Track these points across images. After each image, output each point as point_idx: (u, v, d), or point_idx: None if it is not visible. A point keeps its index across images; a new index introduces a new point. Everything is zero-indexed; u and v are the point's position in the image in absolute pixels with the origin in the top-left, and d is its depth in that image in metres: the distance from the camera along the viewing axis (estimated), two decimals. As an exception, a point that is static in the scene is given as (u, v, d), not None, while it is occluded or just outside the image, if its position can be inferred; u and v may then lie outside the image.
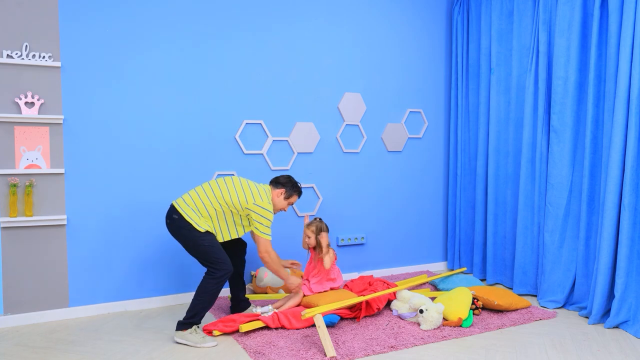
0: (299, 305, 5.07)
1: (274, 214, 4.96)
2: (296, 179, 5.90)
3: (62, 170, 4.97)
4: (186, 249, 4.65)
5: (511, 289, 6.14)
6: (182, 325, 4.48)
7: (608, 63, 5.02)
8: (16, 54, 4.77)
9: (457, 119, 6.86)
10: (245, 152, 5.76)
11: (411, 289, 5.86)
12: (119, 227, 5.23)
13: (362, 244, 6.54)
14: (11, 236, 4.85)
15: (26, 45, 4.79)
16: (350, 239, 6.41)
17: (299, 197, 5.08)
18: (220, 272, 4.51)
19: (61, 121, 4.94)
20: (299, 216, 6.12)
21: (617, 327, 4.87)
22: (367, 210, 6.55)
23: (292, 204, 5.18)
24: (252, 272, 5.90)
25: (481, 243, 6.59)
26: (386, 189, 6.66)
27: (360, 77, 6.39)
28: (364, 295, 5.07)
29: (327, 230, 5.26)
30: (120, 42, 5.18)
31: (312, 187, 6.17)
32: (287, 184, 4.94)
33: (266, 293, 5.69)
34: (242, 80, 5.73)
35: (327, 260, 5.14)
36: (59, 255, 5.05)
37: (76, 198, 5.07)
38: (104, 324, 4.94)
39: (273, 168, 5.91)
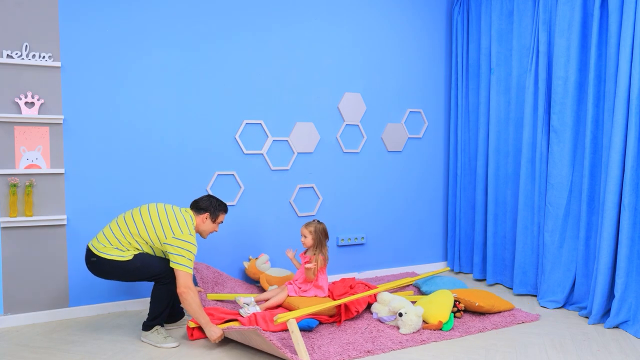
0: (280, 305, 5.03)
1: (206, 236, 4.85)
2: (296, 179, 5.94)
3: (62, 170, 4.97)
4: (121, 281, 4.53)
5: (511, 289, 6.14)
6: (146, 327, 4.49)
7: (608, 63, 5.01)
8: (16, 54, 4.77)
9: (457, 119, 6.86)
10: (245, 152, 5.76)
11: (394, 291, 5.80)
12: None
13: (362, 244, 6.54)
14: (11, 236, 4.85)
15: (26, 45, 4.79)
16: (350, 239, 6.40)
17: (226, 213, 4.88)
18: (168, 279, 4.42)
19: (61, 121, 4.94)
20: (299, 216, 6.12)
21: (617, 327, 4.87)
22: (367, 210, 6.55)
23: (222, 222, 4.92)
24: (250, 257, 5.86)
25: (481, 243, 6.58)
26: (386, 189, 6.66)
27: (360, 77, 6.39)
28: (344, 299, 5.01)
29: (327, 239, 5.25)
30: (120, 42, 5.18)
31: (312, 187, 6.17)
32: (210, 207, 4.70)
33: (258, 280, 5.68)
34: (242, 80, 5.73)
35: (311, 276, 5.11)
36: (59, 255, 5.05)
37: (76, 198, 5.07)
38: (104, 324, 4.94)
39: (273, 168, 5.91)
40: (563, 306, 5.48)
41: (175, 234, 4.38)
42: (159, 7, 5.32)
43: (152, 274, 4.40)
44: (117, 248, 4.35)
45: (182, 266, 4.32)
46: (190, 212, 4.64)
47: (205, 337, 4.53)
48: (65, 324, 4.92)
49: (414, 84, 6.75)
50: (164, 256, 4.52)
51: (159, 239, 4.39)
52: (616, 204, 4.88)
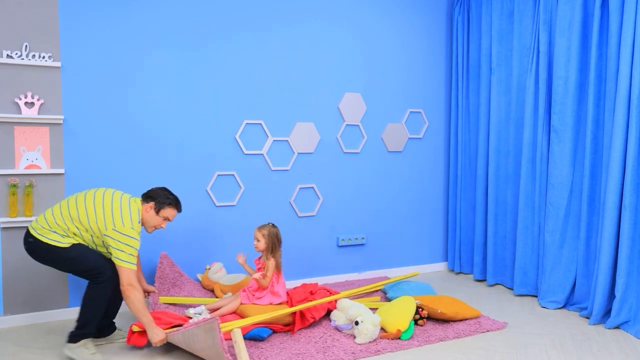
0: (234, 313, 4.75)
1: (152, 231, 4.45)
2: (296, 179, 5.95)
3: (62, 171, 4.96)
4: (55, 268, 4.24)
5: (512, 289, 6.11)
6: (73, 337, 4.12)
7: (609, 63, 5.00)
8: (16, 54, 4.76)
9: (457, 119, 6.84)
10: (246, 152, 5.75)
11: (360, 297, 5.59)
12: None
13: (362, 244, 6.52)
14: (11, 236, 4.83)
15: (26, 45, 4.79)
16: (350, 239, 6.39)
17: (178, 210, 4.49)
18: (102, 277, 4.09)
19: (61, 121, 4.93)
20: (299, 216, 6.11)
21: (617, 327, 4.86)
22: (368, 210, 6.53)
23: (170, 220, 4.45)
24: (207, 266, 5.69)
25: (481, 243, 6.55)
26: (386, 189, 6.64)
27: (361, 77, 6.38)
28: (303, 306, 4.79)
29: (280, 244, 4.93)
30: (120, 42, 5.17)
31: (313, 187, 6.16)
32: (157, 197, 4.33)
33: (212, 290, 5.47)
34: (242, 80, 5.72)
35: (263, 283, 4.78)
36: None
37: (76, 198, 5.03)
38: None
39: (273, 168, 5.90)
40: (564, 307, 5.46)
41: (115, 226, 4.06)
42: (159, 7, 5.31)
43: (86, 267, 4.10)
44: (55, 232, 4.06)
45: (124, 262, 4.01)
46: (139, 204, 4.31)
47: (144, 345, 4.27)
48: (65, 325, 4.88)
49: (415, 84, 6.74)
50: (105, 249, 4.21)
51: (99, 228, 4.08)
52: (617, 204, 4.87)
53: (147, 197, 4.35)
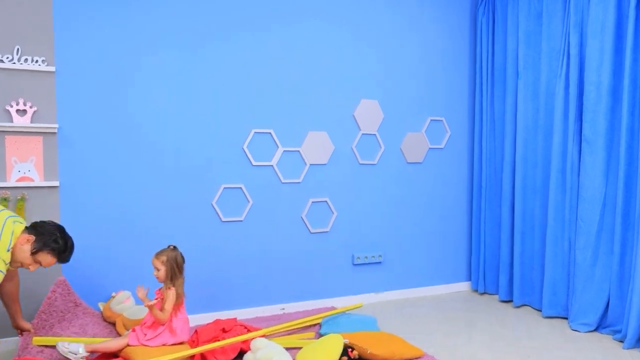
0: (115, 354, 4.16)
1: (15, 267, 3.89)
2: (308, 192, 5.81)
3: (56, 183, 4.78)
4: None
5: (540, 311, 5.87)
6: None
7: (644, 67, 4.82)
8: (7, 57, 4.60)
9: (481, 127, 6.63)
10: (254, 163, 5.55)
11: (293, 332, 5.01)
12: (116, 243, 5.03)
13: (379, 263, 6.28)
14: (2, 253, 4.62)
15: (18, 49, 4.63)
16: (366, 257, 6.16)
17: (59, 260, 3.95)
18: None
19: (55, 130, 4.76)
20: (311, 232, 5.86)
21: (653, 352, 4.67)
22: (385, 226, 6.30)
23: (43, 265, 3.89)
24: (113, 294, 5.09)
25: (507, 261, 6.31)
26: (405, 203, 6.41)
27: (378, 83, 6.17)
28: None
29: (182, 271, 4.35)
30: (118, 46, 5.00)
31: (326, 201, 5.94)
32: (43, 234, 3.78)
33: (114, 324, 4.77)
34: (250, 86, 5.53)
35: (161, 316, 4.19)
36: (55, 276, 4.80)
37: (72, 213, 4.86)
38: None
39: (284, 181, 5.68)
40: (596, 329, 5.28)
41: None
42: (160, 9, 5.15)
43: None
44: None
45: None
46: (17, 229, 3.81)
47: None
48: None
49: (436, 90, 6.52)
50: None
51: None
52: (653, 218, 4.68)
53: (33, 227, 3.83)
